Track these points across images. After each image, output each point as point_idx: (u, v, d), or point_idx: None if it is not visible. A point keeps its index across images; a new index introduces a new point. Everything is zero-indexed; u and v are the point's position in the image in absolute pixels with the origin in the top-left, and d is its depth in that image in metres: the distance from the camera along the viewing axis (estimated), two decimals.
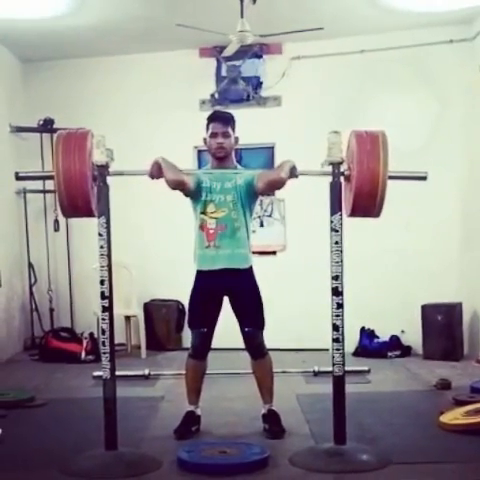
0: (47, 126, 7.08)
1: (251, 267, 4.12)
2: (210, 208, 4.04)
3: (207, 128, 4.13)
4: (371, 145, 3.47)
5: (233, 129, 4.13)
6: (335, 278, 3.58)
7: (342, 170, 3.60)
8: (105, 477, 3.48)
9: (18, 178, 3.95)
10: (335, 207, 3.57)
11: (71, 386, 5.57)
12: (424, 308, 6.39)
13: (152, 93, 7.12)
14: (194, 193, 4.04)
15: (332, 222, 3.56)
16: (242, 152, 6.86)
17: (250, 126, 6.75)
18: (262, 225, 7.00)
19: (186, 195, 4.08)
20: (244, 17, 5.46)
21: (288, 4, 5.88)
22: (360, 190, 3.47)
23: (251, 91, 7.03)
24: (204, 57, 7.05)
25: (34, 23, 6.16)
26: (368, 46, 6.63)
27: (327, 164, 3.60)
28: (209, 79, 7.07)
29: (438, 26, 6.42)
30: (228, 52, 6.25)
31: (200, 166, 7.18)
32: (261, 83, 7.04)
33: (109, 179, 3.60)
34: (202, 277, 4.10)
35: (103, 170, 3.56)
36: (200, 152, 7.11)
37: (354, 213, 3.62)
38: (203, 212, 4.06)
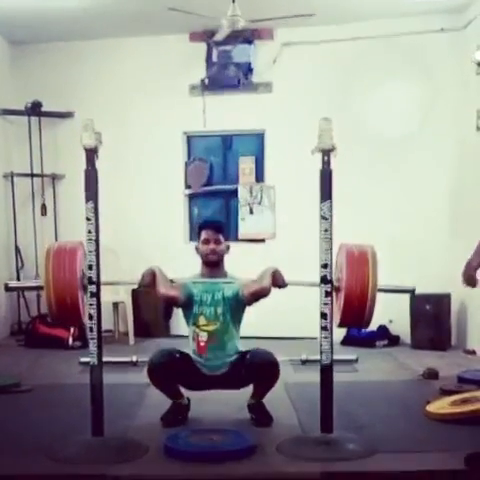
0: (35, 109, 7.00)
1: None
2: (201, 321, 4.08)
3: (198, 236, 4.20)
4: (360, 263, 3.62)
5: (224, 237, 4.19)
6: (324, 266, 3.57)
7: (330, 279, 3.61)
8: (91, 463, 3.46)
9: (8, 289, 4.08)
10: (325, 195, 3.55)
11: (58, 372, 5.54)
12: (413, 298, 6.39)
13: (142, 77, 7.05)
14: (185, 305, 4.11)
15: (322, 209, 3.55)
16: (233, 138, 6.81)
17: (240, 112, 6.71)
18: (252, 212, 6.96)
19: (177, 307, 4.10)
20: (235, 2, 5.41)
21: None
22: (349, 302, 3.60)
23: (242, 77, 6.95)
24: (194, 42, 6.98)
25: (23, 4, 6.07)
26: (360, 33, 6.58)
27: (317, 151, 3.57)
28: (199, 64, 6.99)
29: (430, 14, 6.39)
30: (219, 37, 6.20)
31: (190, 154, 7.14)
32: (252, 69, 6.96)
33: (98, 163, 3.56)
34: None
35: (91, 154, 3.52)
36: (190, 138, 7.06)
37: (343, 323, 3.77)
38: (194, 324, 4.10)
